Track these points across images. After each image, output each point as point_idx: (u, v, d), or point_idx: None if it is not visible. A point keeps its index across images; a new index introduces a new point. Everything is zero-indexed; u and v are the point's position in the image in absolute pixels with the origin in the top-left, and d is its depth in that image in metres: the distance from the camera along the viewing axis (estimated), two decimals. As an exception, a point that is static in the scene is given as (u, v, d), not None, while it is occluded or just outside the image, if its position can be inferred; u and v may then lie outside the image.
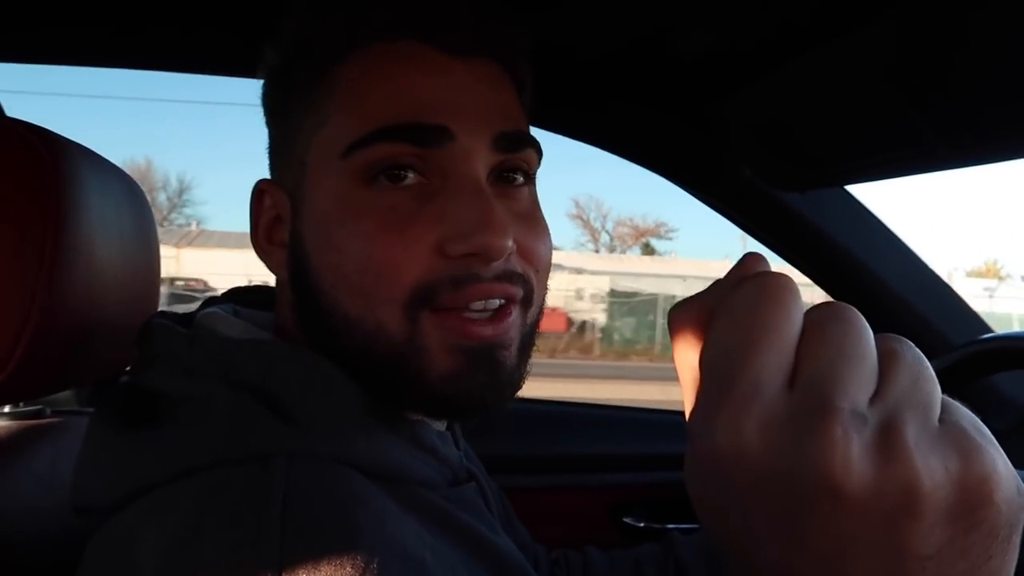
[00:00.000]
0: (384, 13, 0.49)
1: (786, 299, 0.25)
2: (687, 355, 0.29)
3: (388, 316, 0.46)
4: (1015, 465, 0.25)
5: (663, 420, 1.33)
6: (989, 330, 1.18)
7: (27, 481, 0.59)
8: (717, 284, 0.30)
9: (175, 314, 0.54)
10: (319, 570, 0.35)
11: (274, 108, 0.54)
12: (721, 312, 0.26)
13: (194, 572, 0.36)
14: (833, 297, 1.22)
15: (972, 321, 1.18)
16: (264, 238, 0.54)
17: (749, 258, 0.30)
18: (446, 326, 0.46)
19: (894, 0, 0.67)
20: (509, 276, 0.48)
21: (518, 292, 0.49)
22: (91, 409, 0.73)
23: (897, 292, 1.14)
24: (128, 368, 0.58)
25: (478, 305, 0.47)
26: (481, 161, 0.48)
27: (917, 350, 0.25)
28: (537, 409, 1.28)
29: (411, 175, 0.47)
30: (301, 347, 0.49)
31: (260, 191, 0.54)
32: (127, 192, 0.64)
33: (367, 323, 0.47)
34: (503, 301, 0.48)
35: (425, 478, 0.49)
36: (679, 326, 0.29)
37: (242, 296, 0.60)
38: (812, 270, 1.19)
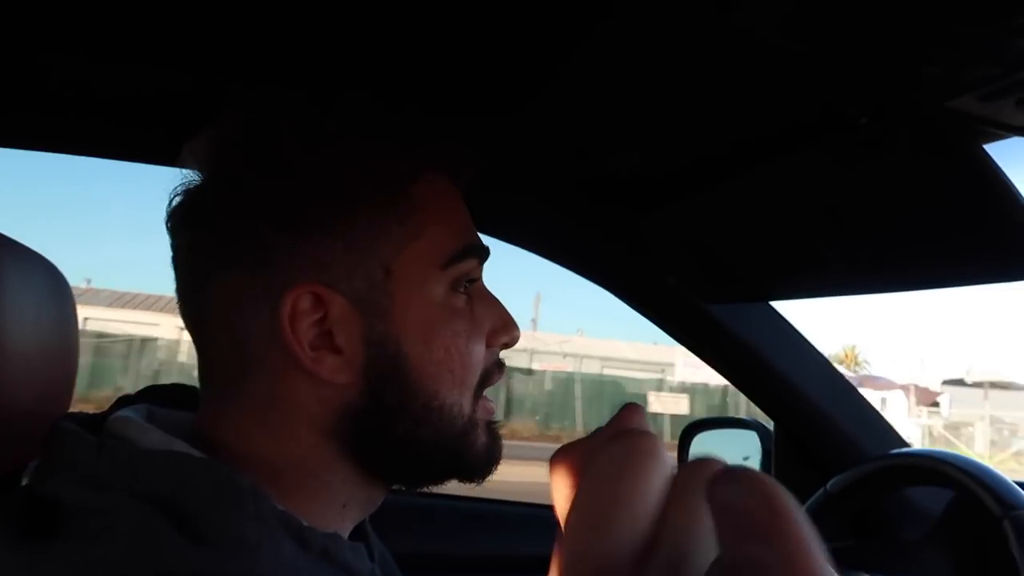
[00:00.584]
0: (431, 148, 0.58)
1: (648, 469, 0.25)
2: (560, 504, 0.29)
3: (466, 400, 0.55)
4: None
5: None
6: (903, 442, 1.22)
7: None
8: (596, 433, 0.30)
9: (84, 416, 0.52)
10: None
11: (312, 220, 0.52)
12: (588, 474, 0.26)
13: None
14: (756, 404, 1.25)
15: (886, 433, 1.22)
16: (308, 343, 0.50)
17: (626, 411, 0.30)
18: (484, 405, 0.57)
19: (802, 139, 0.72)
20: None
21: None
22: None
23: (815, 402, 1.18)
24: (31, 465, 0.55)
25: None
26: None
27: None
28: (459, 506, 1.26)
29: None
30: (215, 459, 0.47)
31: (295, 296, 0.50)
32: (50, 284, 0.63)
33: (455, 408, 0.54)
34: None
35: None
36: (556, 473, 0.30)
37: (158, 394, 0.59)
38: (736, 378, 1.23)
